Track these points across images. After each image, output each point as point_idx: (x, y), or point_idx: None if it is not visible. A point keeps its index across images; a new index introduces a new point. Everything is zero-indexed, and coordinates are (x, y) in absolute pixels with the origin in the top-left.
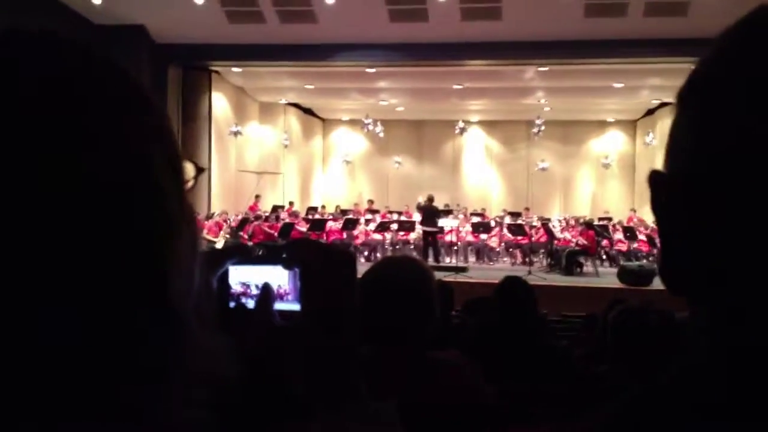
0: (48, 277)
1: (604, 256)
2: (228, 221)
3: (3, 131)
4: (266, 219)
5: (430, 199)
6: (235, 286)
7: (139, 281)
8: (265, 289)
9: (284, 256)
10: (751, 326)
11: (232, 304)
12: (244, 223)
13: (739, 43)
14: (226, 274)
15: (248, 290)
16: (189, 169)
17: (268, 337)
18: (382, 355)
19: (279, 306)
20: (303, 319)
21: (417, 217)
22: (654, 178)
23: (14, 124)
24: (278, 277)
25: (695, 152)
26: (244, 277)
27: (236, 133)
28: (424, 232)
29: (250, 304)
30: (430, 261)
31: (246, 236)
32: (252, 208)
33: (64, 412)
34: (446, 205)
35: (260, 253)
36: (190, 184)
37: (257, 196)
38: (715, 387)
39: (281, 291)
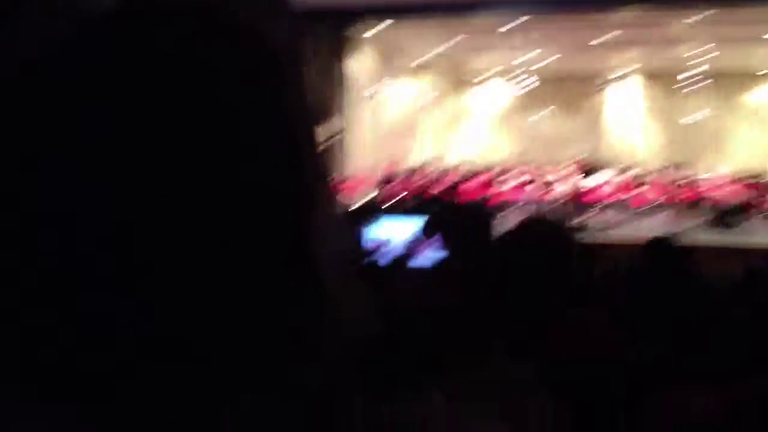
0: (192, 242)
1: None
2: (369, 179)
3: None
4: (407, 178)
5: (597, 155)
6: (369, 242)
7: (278, 241)
8: (408, 247)
9: (424, 222)
10: None
11: (374, 260)
12: (384, 182)
13: None
14: (362, 231)
15: (380, 245)
16: (326, 127)
17: (407, 295)
18: (522, 314)
19: (417, 261)
20: (441, 277)
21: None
22: None
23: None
24: (414, 233)
25: None
26: (380, 232)
27: (376, 93)
28: (581, 190)
29: (385, 259)
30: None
31: (386, 195)
32: (391, 168)
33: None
34: (606, 162)
35: (402, 208)
36: (327, 141)
37: (396, 156)
38: None
39: (417, 246)
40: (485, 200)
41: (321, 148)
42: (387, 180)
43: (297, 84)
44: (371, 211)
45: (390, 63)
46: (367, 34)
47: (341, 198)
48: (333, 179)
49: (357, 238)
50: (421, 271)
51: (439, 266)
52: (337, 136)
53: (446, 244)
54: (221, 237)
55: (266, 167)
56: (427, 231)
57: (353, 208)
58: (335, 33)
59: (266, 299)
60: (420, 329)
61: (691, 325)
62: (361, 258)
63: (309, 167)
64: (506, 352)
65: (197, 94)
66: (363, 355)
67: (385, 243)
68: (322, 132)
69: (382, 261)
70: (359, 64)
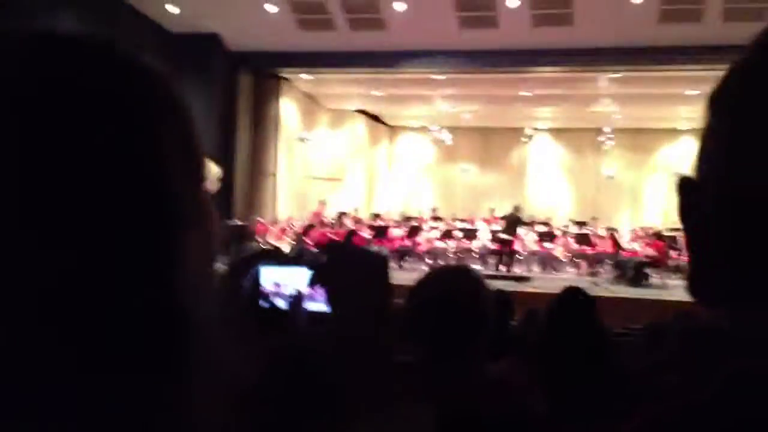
0: (42, 263)
1: (674, 269)
2: (292, 227)
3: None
4: (331, 225)
5: (516, 209)
6: (268, 286)
7: (139, 274)
8: (299, 294)
9: (316, 264)
10: None
11: (264, 304)
12: (309, 228)
13: None
14: (257, 275)
15: (280, 290)
16: (214, 169)
17: (302, 340)
18: (430, 363)
19: (310, 306)
20: (335, 322)
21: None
22: (684, 184)
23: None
24: (305, 278)
25: (727, 157)
26: (276, 277)
27: (303, 139)
28: (503, 240)
29: (281, 303)
30: (502, 269)
31: (310, 242)
32: (316, 214)
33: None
34: (530, 216)
35: (293, 256)
36: (213, 184)
37: (322, 202)
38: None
39: (311, 292)
40: (407, 248)
41: (199, 183)
42: (310, 226)
43: (175, 121)
44: (275, 256)
45: (319, 108)
46: (298, 78)
47: (268, 243)
48: (213, 216)
49: (250, 279)
50: (321, 316)
51: (336, 313)
52: (267, 179)
53: (342, 290)
54: (82, 281)
55: (130, 214)
56: (320, 278)
57: (248, 251)
58: (266, 75)
59: (124, 334)
60: (319, 374)
61: (595, 375)
62: (253, 299)
63: (182, 201)
64: (411, 396)
65: (70, 136)
66: (254, 398)
67: (287, 288)
68: (200, 168)
69: (274, 302)
70: (289, 108)
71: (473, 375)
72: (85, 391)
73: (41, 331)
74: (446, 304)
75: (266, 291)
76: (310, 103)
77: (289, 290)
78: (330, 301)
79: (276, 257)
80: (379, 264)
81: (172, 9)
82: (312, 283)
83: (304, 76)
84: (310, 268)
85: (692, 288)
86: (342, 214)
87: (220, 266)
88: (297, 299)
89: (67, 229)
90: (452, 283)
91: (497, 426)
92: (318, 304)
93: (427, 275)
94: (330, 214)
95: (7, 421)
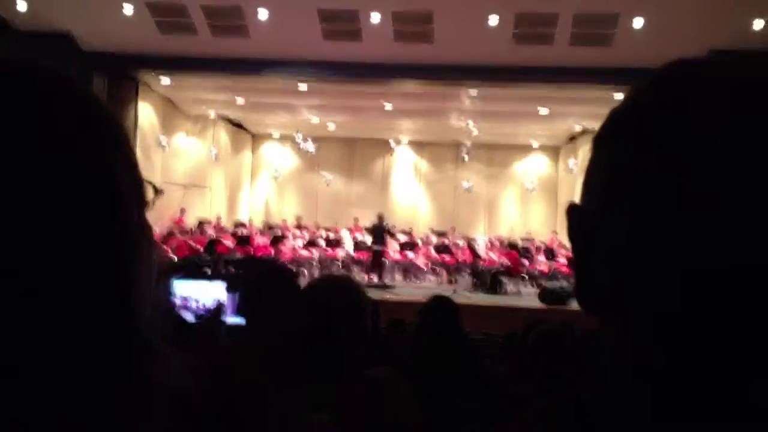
0: (13, 288)
1: (526, 277)
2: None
3: None
4: (192, 233)
5: (380, 218)
6: (175, 299)
7: (102, 296)
8: (217, 308)
9: (230, 274)
10: (650, 348)
11: (177, 318)
12: (168, 236)
13: (647, 95)
14: (170, 288)
15: (188, 303)
16: (148, 188)
17: (217, 354)
18: (319, 371)
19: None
20: (248, 336)
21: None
22: (571, 210)
23: None
24: (219, 292)
25: (603, 192)
26: (187, 291)
27: (162, 145)
28: (374, 251)
29: (189, 317)
30: (375, 279)
31: (170, 250)
32: (177, 222)
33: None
34: (393, 226)
35: (206, 270)
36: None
37: (182, 210)
38: (616, 406)
39: (222, 305)
40: (274, 258)
41: (143, 205)
42: (170, 233)
43: (121, 143)
44: (179, 268)
45: (179, 113)
46: (157, 82)
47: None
48: (153, 235)
49: (164, 294)
50: (225, 328)
51: (241, 324)
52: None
53: (248, 301)
54: (44, 289)
55: (89, 221)
56: (230, 288)
57: (170, 265)
58: (122, 77)
59: (86, 350)
60: (226, 386)
61: (461, 378)
62: (168, 315)
63: (132, 221)
64: (306, 405)
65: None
66: (184, 408)
67: (188, 300)
68: (144, 189)
69: (182, 316)
70: (147, 112)
71: (355, 382)
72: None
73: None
74: (333, 313)
75: (176, 304)
76: (171, 108)
77: (200, 304)
78: (244, 312)
79: (188, 271)
80: (292, 277)
81: (21, 5)
82: (229, 289)
83: (163, 80)
84: (226, 281)
85: (578, 298)
86: (203, 222)
87: None
88: (216, 312)
89: (28, 252)
90: (336, 292)
91: (383, 429)
92: (231, 317)
93: (310, 286)
94: (191, 222)
95: None
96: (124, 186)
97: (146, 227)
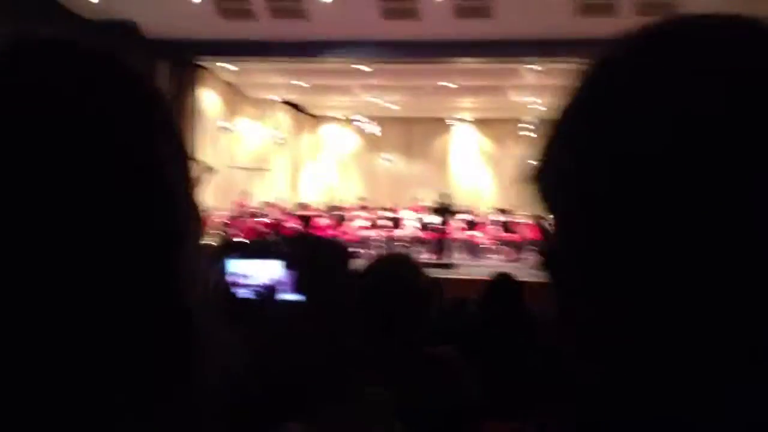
0: (63, 279)
1: None
2: (215, 218)
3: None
4: (256, 215)
5: (445, 197)
6: (229, 277)
7: (154, 281)
8: (272, 284)
9: (284, 253)
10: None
11: (234, 296)
12: (234, 218)
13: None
14: (224, 267)
15: (240, 281)
16: (195, 167)
17: (272, 331)
18: (379, 349)
19: (283, 296)
20: (303, 312)
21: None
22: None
23: (25, 130)
24: (273, 270)
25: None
26: (243, 270)
27: (225, 129)
28: (438, 230)
29: (247, 294)
30: (438, 258)
31: (236, 232)
32: (240, 205)
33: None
34: (456, 204)
35: (258, 248)
36: (197, 183)
37: (244, 192)
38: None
39: (278, 283)
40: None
41: (191, 186)
42: (237, 216)
43: (167, 124)
44: (229, 247)
45: (241, 98)
46: (219, 68)
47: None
48: (202, 217)
49: (220, 273)
50: (282, 305)
51: (300, 300)
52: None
53: (306, 278)
54: (94, 275)
55: (136, 206)
56: (289, 266)
57: (213, 243)
58: (185, 64)
59: (136, 333)
60: (283, 362)
61: (523, 355)
62: (223, 293)
63: (181, 206)
64: (364, 381)
65: (73, 136)
66: (230, 388)
67: (246, 278)
68: (191, 170)
69: (245, 296)
70: (210, 97)
71: (420, 359)
72: (100, 390)
73: (57, 334)
74: (391, 292)
75: (233, 283)
76: (233, 92)
77: (257, 281)
78: (301, 288)
79: (242, 250)
80: (343, 253)
81: None
82: (288, 267)
83: (225, 65)
84: (280, 259)
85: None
86: (266, 204)
87: None
88: (270, 289)
89: (74, 237)
90: (394, 271)
91: (443, 407)
92: (289, 295)
93: (369, 264)
94: (255, 204)
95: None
96: (171, 168)
97: (194, 209)
